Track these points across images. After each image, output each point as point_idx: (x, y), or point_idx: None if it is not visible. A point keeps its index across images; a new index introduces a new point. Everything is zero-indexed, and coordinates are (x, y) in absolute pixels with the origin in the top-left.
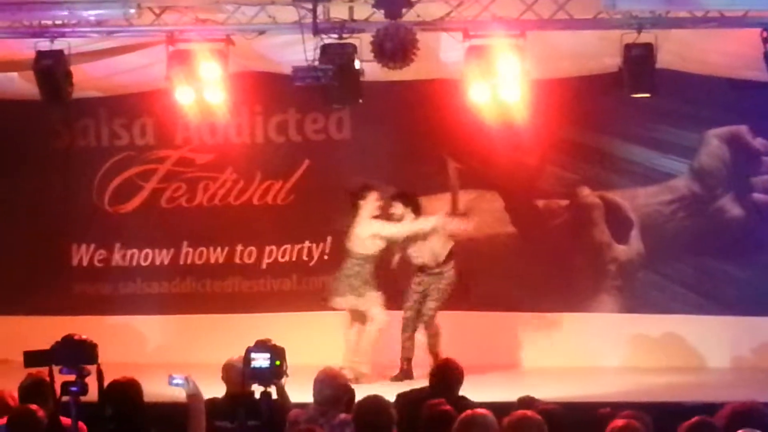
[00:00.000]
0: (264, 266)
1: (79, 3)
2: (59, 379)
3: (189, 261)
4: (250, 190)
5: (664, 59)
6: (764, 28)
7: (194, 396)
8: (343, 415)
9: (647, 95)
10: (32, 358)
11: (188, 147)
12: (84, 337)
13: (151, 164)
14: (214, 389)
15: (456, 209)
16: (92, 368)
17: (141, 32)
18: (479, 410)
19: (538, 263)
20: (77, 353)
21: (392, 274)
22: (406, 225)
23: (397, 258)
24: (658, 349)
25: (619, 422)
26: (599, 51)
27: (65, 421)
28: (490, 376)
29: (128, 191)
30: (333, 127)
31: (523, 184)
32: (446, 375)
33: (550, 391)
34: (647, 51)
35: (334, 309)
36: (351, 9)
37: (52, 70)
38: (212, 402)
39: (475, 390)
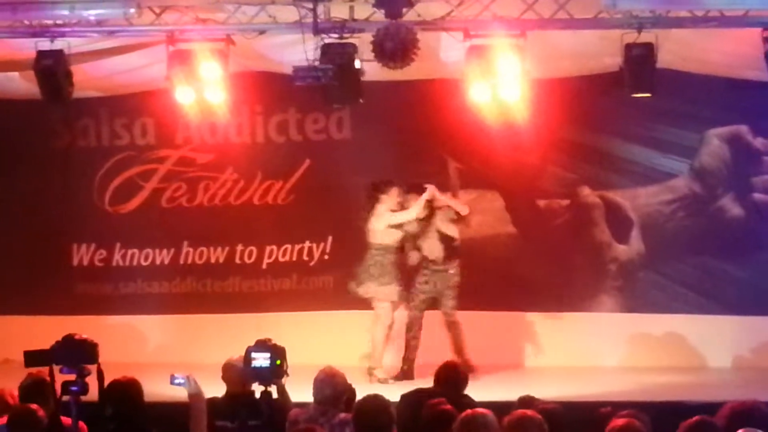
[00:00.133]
0: (264, 266)
1: (79, 3)
2: (59, 378)
3: (189, 261)
4: (250, 190)
5: (665, 59)
6: (764, 28)
7: (196, 395)
8: (342, 415)
9: (648, 95)
10: (33, 357)
11: (189, 147)
12: (84, 336)
13: (151, 164)
14: (214, 389)
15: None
16: (93, 368)
17: (141, 32)
18: (479, 410)
19: (538, 263)
20: (78, 353)
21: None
22: (411, 211)
23: (414, 256)
24: (659, 349)
25: (619, 421)
26: (600, 51)
27: (65, 420)
28: (490, 375)
29: (129, 191)
30: (333, 127)
31: (523, 183)
32: (451, 377)
33: (551, 391)
34: (648, 51)
35: (334, 309)
36: (351, 9)
37: (52, 69)
38: (212, 402)
39: (475, 389)
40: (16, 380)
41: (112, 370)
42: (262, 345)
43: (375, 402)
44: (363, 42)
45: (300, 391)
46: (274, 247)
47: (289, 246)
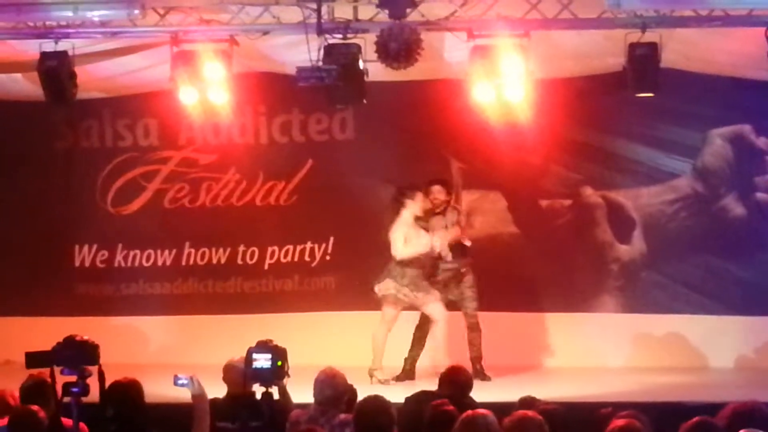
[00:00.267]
0: (266, 267)
1: (83, 4)
2: (60, 379)
3: (191, 262)
4: (252, 191)
5: (669, 58)
6: None
7: (199, 396)
8: (343, 416)
9: (651, 94)
10: (34, 358)
11: (191, 147)
12: (85, 337)
13: (154, 165)
14: (215, 390)
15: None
16: (94, 369)
17: (145, 33)
18: (480, 410)
19: (540, 263)
20: (79, 354)
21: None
22: (421, 243)
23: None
24: (661, 349)
25: (619, 422)
26: (603, 50)
27: (66, 422)
28: (491, 375)
29: (131, 192)
30: (337, 128)
31: (526, 184)
32: (456, 380)
33: (552, 391)
34: (651, 50)
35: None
36: (355, 9)
37: (56, 70)
38: (213, 403)
39: (476, 390)
40: (17, 381)
41: (113, 371)
42: (264, 346)
43: (376, 403)
44: (367, 42)
45: (301, 392)
46: (276, 248)
47: (291, 247)
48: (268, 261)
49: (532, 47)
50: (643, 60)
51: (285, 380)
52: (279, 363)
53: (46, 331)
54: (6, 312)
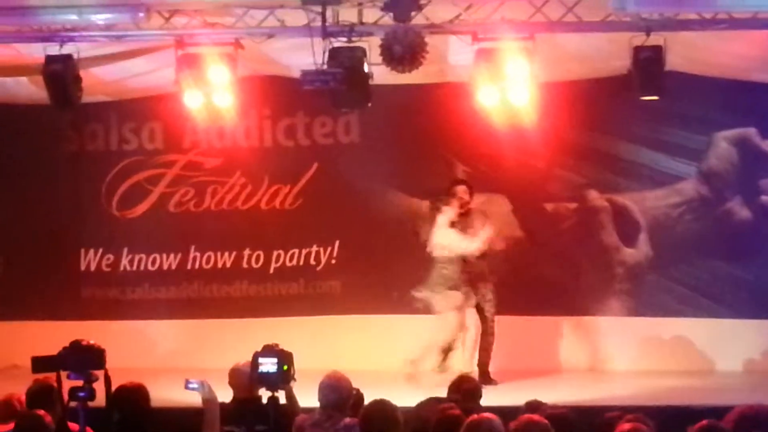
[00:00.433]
0: (271, 271)
1: (88, 7)
2: (67, 384)
3: (197, 266)
4: (258, 195)
5: (673, 61)
6: None
7: (210, 401)
8: (347, 419)
9: (656, 98)
10: (40, 363)
11: (197, 151)
12: (92, 342)
13: (159, 168)
14: (221, 394)
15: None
16: (100, 373)
17: (150, 36)
18: (485, 414)
19: (546, 267)
20: (85, 359)
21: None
22: (473, 242)
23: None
24: (667, 353)
25: (625, 426)
26: (608, 53)
27: (73, 426)
28: (497, 380)
29: (136, 196)
30: (341, 131)
31: (531, 187)
32: (465, 388)
33: (558, 395)
34: (656, 53)
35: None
36: (360, 12)
37: (61, 74)
38: (219, 407)
39: (483, 393)
40: (23, 386)
41: (119, 376)
42: (270, 350)
43: (381, 407)
44: (371, 46)
45: (307, 396)
46: (281, 252)
47: (296, 250)
48: (273, 265)
49: (537, 50)
50: (648, 63)
51: (291, 384)
52: (285, 367)
53: (52, 336)
54: (12, 316)
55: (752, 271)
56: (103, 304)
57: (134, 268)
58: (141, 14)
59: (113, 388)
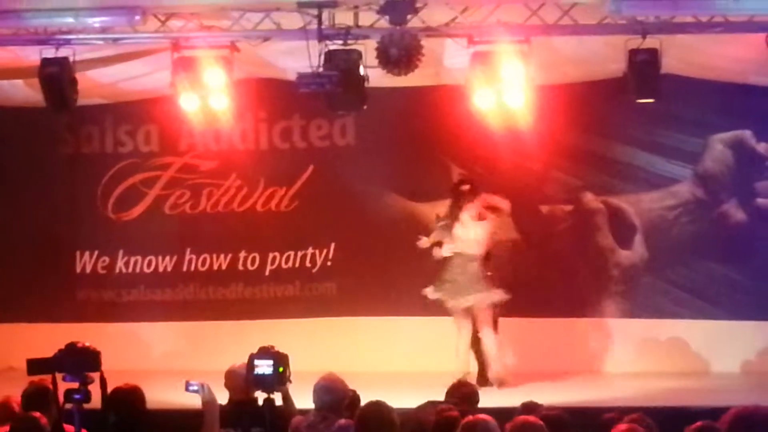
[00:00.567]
0: (267, 273)
1: (84, 10)
2: (62, 386)
3: (192, 268)
4: (253, 197)
5: (669, 64)
6: None
7: (209, 403)
8: (342, 421)
9: (652, 100)
10: (35, 365)
11: (192, 153)
12: (87, 344)
13: (155, 171)
14: (217, 396)
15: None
16: (95, 375)
17: (146, 39)
18: (481, 416)
19: (541, 268)
20: (81, 361)
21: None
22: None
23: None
24: (663, 354)
25: (621, 427)
26: (604, 56)
27: (68, 428)
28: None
29: (132, 198)
30: (337, 134)
31: (527, 189)
32: (462, 393)
33: (554, 396)
34: (652, 56)
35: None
36: (356, 15)
37: (57, 77)
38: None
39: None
40: (19, 388)
41: (114, 378)
42: (265, 352)
43: (377, 408)
44: (367, 48)
45: (303, 398)
46: (277, 254)
47: (292, 252)
48: (269, 267)
49: (533, 53)
50: (644, 66)
51: (287, 386)
52: (281, 369)
53: (48, 338)
54: (7, 318)
55: (748, 273)
56: (98, 306)
57: (130, 270)
58: (137, 17)
59: (109, 390)
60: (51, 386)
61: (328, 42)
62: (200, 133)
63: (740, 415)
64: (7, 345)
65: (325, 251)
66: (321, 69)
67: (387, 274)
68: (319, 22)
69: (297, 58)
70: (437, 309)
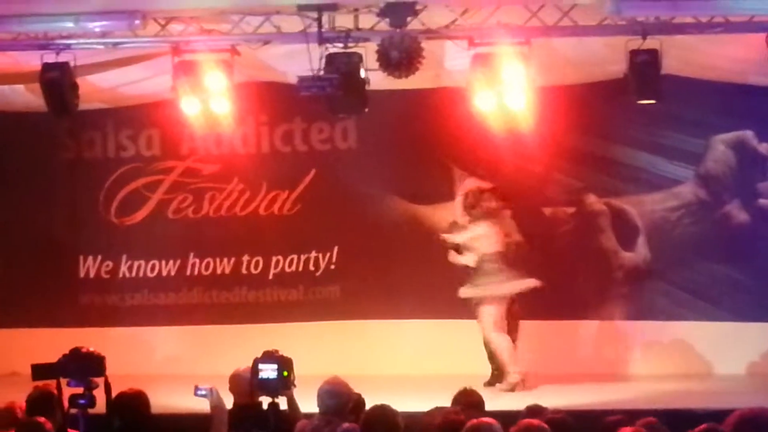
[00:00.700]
0: (271, 276)
1: (84, 15)
2: (67, 391)
3: (196, 272)
4: (256, 201)
5: (670, 65)
6: None
7: (218, 408)
8: (346, 425)
9: (653, 101)
10: (40, 371)
11: (194, 157)
12: (92, 349)
13: (157, 175)
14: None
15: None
16: (100, 380)
17: (146, 43)
18: (485, 419)
19: (544, 271)
20: (85, 366)
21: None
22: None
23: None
24: (666, 356)
25: (627, 430)
26: (604, 58)
27: None
28: (497, 384)
29: (135, 202)
30: (339, 137)
31: (529, 191)
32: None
33: (558, 399)
34: (652, 57)
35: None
36: (356, 18)
37: (58, 81)
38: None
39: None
40: (22, 393)
41: (118, 382)
42: (270, 356)
43: (383, 412)
44: (368, 51)
45: (308, 402)
46: (281, 258)
47: (295, 256)
48: (272, 270)
49: (533, 55)
50: (644, 67)
51: (291, 390)
52: (285, 373)
53: (51, 343)
54: (11, 323)
55: (751, 274)
56: (102, 310)
57: (133, 274)
58: (137, 21)
59: (113, 395)
60: (55, 391)
61: (328, 45)
62: (202, 137)
63: (745, 417)
64: (10, 350)
65: (328, 255)
66: (321, 72)
67: (390, 276)
68: (319, 25)
69: (297, 62)
70: (441, 312)
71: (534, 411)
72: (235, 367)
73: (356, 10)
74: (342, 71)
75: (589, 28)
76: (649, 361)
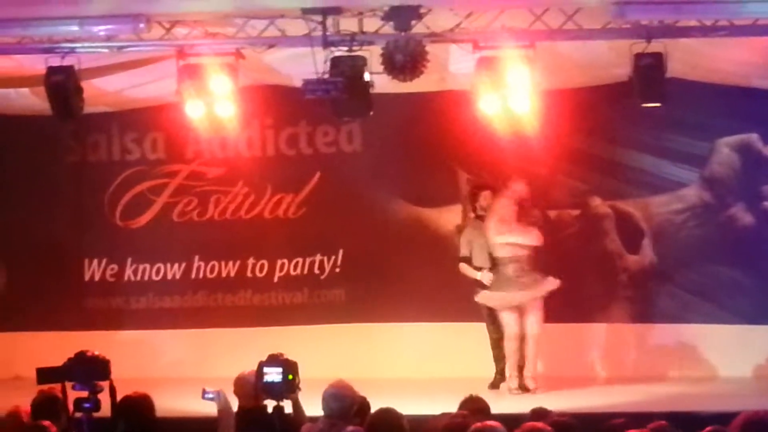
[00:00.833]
0: (275, 280)
1: (89, 18)
2: (72, 395)
3: (201, 275)
4: (261, 204)
5: (674, 68)
6: None
7: (225, 411)
8: (351, 428)
9: (657, 104)
10: (45, 374)
11: (199, 161)
12: (97, 353)
13: (162, 178)
14: None
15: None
16: (104, 384)
17: (151, 47)
18: (489, 422)
19: (549, 274)
20: (90, 370)
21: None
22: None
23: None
24: (671, 359)
25: None
26: (609, 61)
27: None
28: (502, 387)
29: (140, 206)
30: (344, 140)
31: (534, 194)
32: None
33: (563, 402)
34: (657, 60)
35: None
36: (361, 21)
37: (62, 85)
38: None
39: (489, 401)
40: (27, 397)
41: (123, 386)
42: (274, 359)
43: (388, 416)
44: (372, 55)
45: (313, 406)
46: (286, 261)
47: (300, 259)
48: (277, 274)
49: (538, 58)
50: (649, 70)
51: (296, 393)
52: (290, 377)
53: (56, 346)
54: (16, 327)
55: (756, 276)
56: (107, 314)
57: (138, 278)
58: (142, 25)
59: (118, 399)
60: (60, 395)
61: (333, 48)
62: (207, 140)
63: (750, 420)
64: (15, 354)
65: (333, 258)
66: (326, 75)
67: (395, 279)
68: (324, 29)
69: (302, 65)
70: (446, 315)
71: (539, 414)
72: (239, 370)
73: (361, 13)
74: (347, 74)
75: (594, 32)
76: (655, 364)
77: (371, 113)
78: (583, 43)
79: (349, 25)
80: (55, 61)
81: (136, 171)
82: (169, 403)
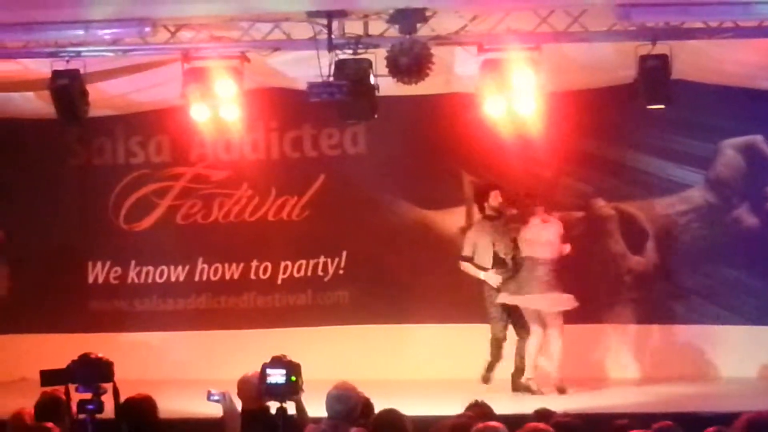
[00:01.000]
0: (279, 282)
1: (94, 22)
2: (75, 397)
3: (204, 277)
4: (265, 206)
5: (679, 70)
6: None
7: (230, 413)
8: (355, 429)
9: (662, 106)
10: (49, 376)
11: (203, 164)
12: (100, 355)
13: (166, 181)
14: None
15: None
16: (108, 386)
17: (156, 50)
18: (491, 423)
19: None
20: (94, 372)
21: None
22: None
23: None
24: (675, 360)
25: None
26: (614, 63)
27: None
28: (505, 387)
29: (144, 208)
30: (348, 142)
31: (538, 196)
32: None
33: (567, 403)
34: (662, 62)
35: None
36: (366, 24)
37: (68, 89)
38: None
39: (492, 402)
40: (31, 399)
41: (126, 388)
42: (278, 361)
43: (391, 416)
44: (377, 57)
45: (317, 407)
46: (289, 263)
47: (303, 261)
48: (281, 276)
49: (543, 60)
50: (654, 72)
51: (300, 395)
52: (293, 378)
53: (60, 348)
54: (20, 329)
55: (761, 278)
56: (111, 316)
57: (142, 280)
58: (147, 29)
59: (121, 401)
60: (64, 397)
61: (338, 51)
62: (211, 143)
63: (752, 420)
64: (19, 356)
65: (336, 260)
66: (331, 78)
67: (398, 281)
68: (329, 32)
69: (307, 68)
70: (449, 316)
71: (542, 415)
72: (243, 372)
73: (366, 16)
74: (352, 77)
75: (599, 34)
76: (659, 365)
77: (376, 116)
78: (588, 45)
79: (354, 28)
80: (61, 65)
81: (140, 174)
82: (172, 405)
